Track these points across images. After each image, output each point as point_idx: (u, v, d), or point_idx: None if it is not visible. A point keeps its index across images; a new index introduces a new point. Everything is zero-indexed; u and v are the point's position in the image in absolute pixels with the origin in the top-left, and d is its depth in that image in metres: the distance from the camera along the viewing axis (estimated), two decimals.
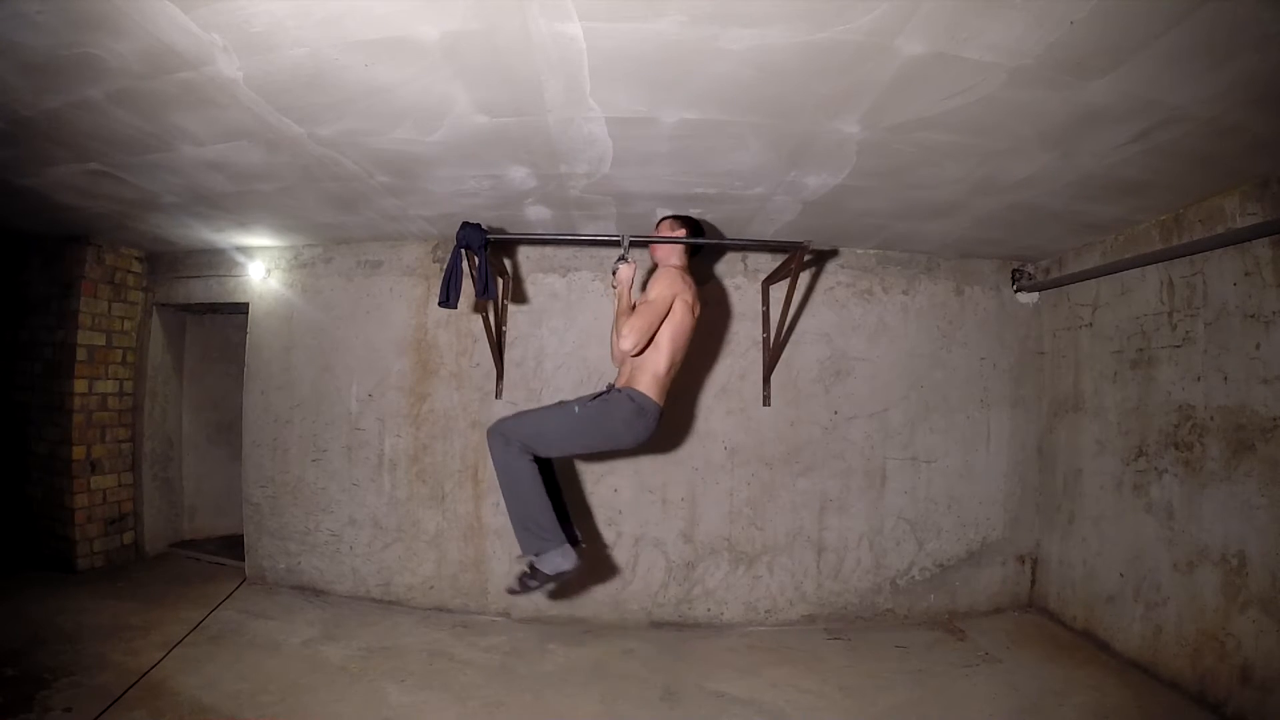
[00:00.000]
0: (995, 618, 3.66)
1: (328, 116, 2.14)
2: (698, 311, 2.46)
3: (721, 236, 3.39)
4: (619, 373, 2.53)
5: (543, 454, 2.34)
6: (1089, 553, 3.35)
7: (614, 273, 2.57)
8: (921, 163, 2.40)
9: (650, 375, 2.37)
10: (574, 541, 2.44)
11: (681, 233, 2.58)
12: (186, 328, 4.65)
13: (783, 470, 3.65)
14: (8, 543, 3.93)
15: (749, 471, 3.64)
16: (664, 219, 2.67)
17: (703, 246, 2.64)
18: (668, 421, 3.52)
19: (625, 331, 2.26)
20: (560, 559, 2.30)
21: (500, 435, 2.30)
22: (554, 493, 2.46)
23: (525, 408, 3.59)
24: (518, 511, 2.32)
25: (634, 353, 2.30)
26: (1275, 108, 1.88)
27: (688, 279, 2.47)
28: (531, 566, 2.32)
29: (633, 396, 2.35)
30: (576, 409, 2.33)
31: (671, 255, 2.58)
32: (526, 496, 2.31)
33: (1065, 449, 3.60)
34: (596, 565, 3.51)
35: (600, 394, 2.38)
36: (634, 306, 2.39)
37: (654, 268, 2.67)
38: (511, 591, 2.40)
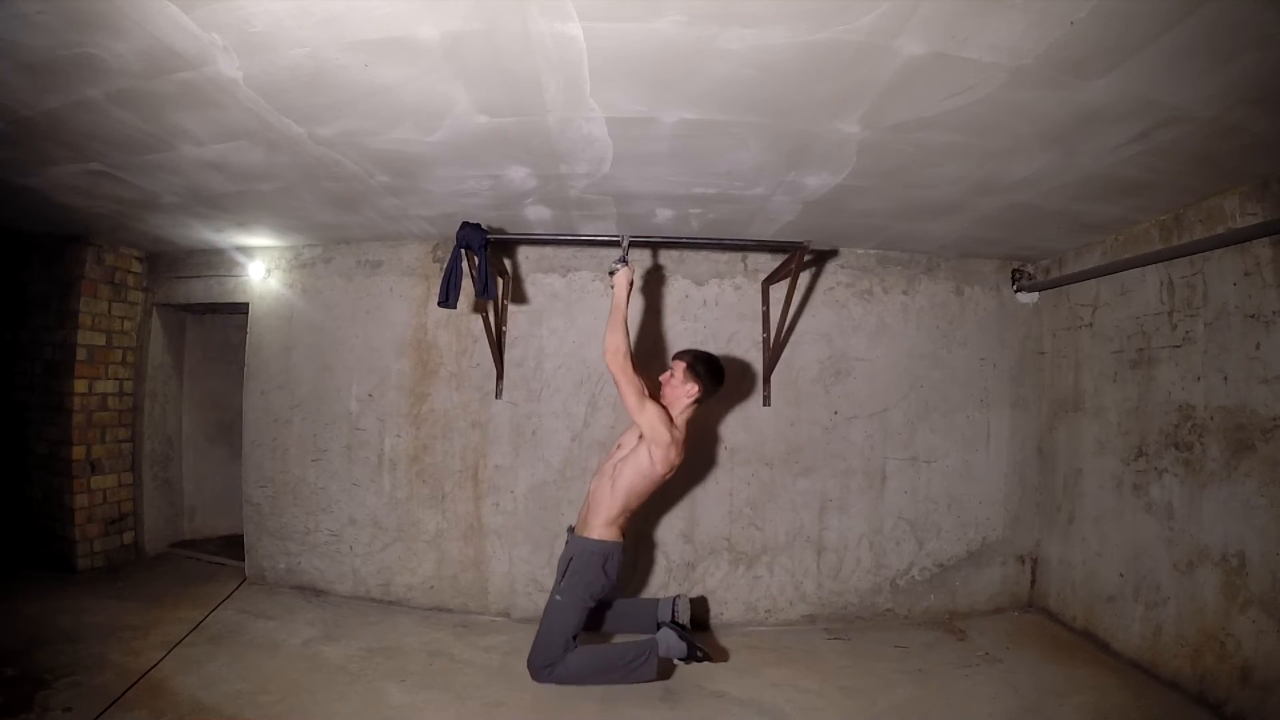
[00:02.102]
0: (995, 618, 3.66)
1: (328, 116, 2.14)
2: (660, 474, 2.50)
3: (722, 236, 3.39)
4: (584, 503, 2.65)
5: (575, 639, 2.51)
6: (1089, 553, 3.35)
7: (611, 274, 2.57)
8: (921, 163, 2.40)
9: (603, 521, 2.51)
10: (675, 615, 2.69)
11: (694, 390, 2.56)
12: (186, 328, 4.65)
13: (783, 470, 3.65)
14: (8, 543, 3.93)
15: (749, 471, 3.64)
16: (681, 359, 2.62)
17: (716, 389, 2.66)
18: None
19: (611, 348, 2.41)
20: (672, 645, 2.50)
21: (541, 670, 2.50)
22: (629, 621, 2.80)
23: (524, 406, 3.62)
24: (615, 676, 2.54)
25: (608, 357, 2.43)
26: (1275, 108, 1.88)
27: (677, 448, 2.50)
28: (678, 660, 2.53)
29: (593, 550, 2.50)
30: (559, 598, 2.51)
31: (676, 404, 2.58)
32: (603, 668, 2.53)
33: (1065, 449, 3.60)
34: None
35: (567, 566, 2.51)
36: (639, 379, 2.46)
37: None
38: (709, 660, 2.65)
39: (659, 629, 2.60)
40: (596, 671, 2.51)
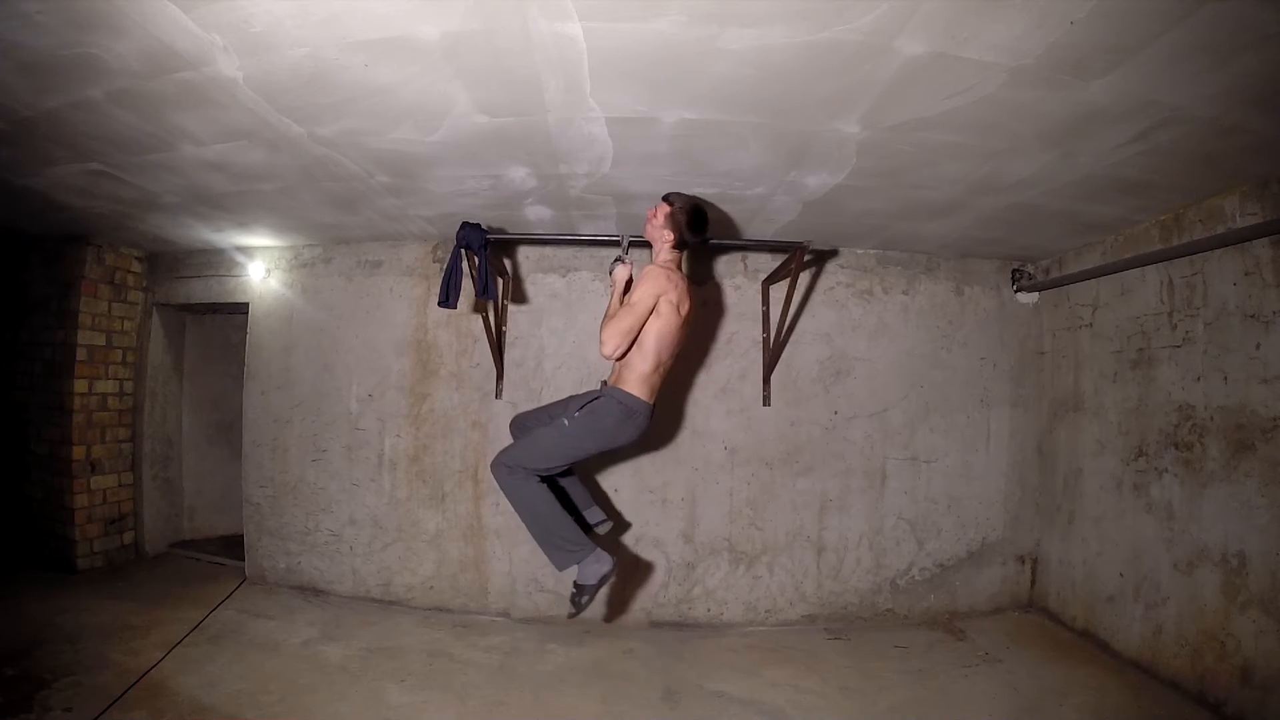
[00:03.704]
0: (995, 618, 3.66)
1: (328, 116, 2.14)
2: (685, 310, 2.38)
3: (721, 236, 3.39)
4: (611, 369, 2.51)
5: (546, 472, 2.37)
6: (1089, 553, 3.35)
7: (611, 273, 2.58)
8: (921, 163, 2.40)
9: (637, 376, 2.36)
10: (596, 524, 2.60)
11: (669, 237, 2.40)
12: (186, 328, 4.65)
13: (783, 470, 3.65)
14: (8, 543, 3.93)
15: (749, 471, 3.64)
16: (661, 203, 2.43)
17: (694, 240, 2.48)
18: (667, 421, 3.55)
19: (605, 336, 2.25)
20: (596, 565, 2.36)
21: (503, 466, 2.34)
22: (570, 496, 2.58)
23: (524, 408, 3.61)
24: (540, 533, 2.38)
25: (615, 357, 2.29)
26: (1275, 108, 1.88)
27: (675, 277, 2.37)
28: (576, 584, 2.38)
29: (621, 400, 2.35)
30: (566, 423, 2.35)
31: (661, 251, 2.45)
32: (544, 517, 2.36)
33: (1065, 449, 3.60)
34: None
35: (589, 400, 2.38)
36: (635, 332, 2.34)
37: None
38: (571, 616, 2.46)
39: (588, 531, 2.56)
40: (536, 518, 2.37)
